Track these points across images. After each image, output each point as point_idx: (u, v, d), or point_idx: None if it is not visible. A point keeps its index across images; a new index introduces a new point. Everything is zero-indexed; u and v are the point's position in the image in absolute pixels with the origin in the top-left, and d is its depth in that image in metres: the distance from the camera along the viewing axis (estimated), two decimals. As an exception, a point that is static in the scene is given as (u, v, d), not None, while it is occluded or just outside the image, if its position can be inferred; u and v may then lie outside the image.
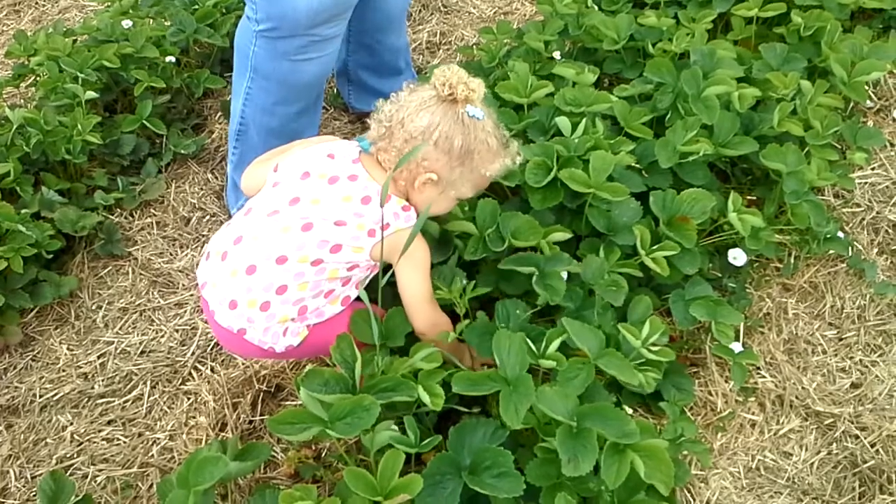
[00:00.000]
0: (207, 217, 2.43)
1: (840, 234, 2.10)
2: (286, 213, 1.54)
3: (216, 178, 2.55)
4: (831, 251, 2.11)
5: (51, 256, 2.16)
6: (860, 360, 1.95)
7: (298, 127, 2.16)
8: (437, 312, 1.64)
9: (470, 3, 3.18)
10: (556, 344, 1.52)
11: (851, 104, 2.45)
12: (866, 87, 2.36)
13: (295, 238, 1.52)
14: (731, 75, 2.14)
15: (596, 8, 2.60)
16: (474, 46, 2.85)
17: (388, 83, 2.48)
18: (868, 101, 2.51)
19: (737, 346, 1.79)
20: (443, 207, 1.64)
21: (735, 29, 2.50)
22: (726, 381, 1.89)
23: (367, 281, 1.66)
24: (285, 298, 1.53)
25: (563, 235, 1.81)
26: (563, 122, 2.02)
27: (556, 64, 2.31)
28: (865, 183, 2.31)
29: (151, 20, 2.79)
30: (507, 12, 3.15)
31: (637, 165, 2.02)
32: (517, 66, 2.21)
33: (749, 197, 2.19)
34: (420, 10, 3.17)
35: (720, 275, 2.04)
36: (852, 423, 1.82)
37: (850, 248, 2.11)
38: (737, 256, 1.93)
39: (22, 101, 2.74)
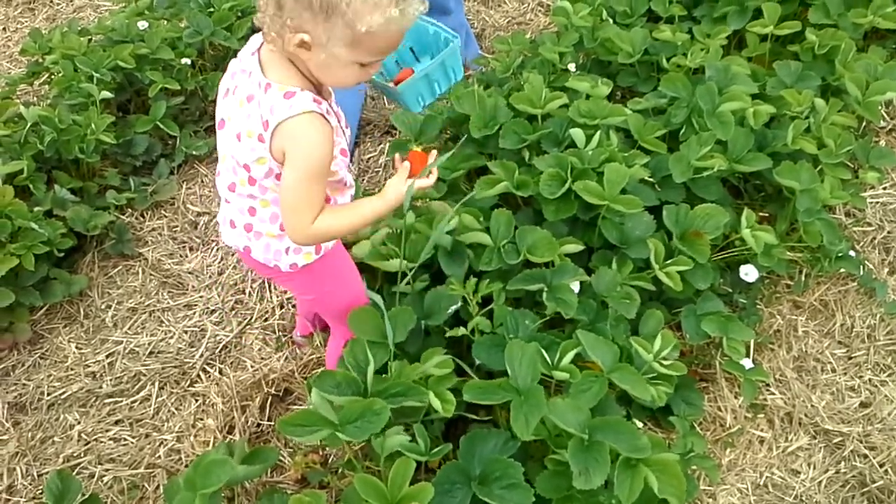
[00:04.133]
0: (215, 221, 2.43)
1: (851, 252, 2.10)
2: (220, 138, 1.45)
3: (227, 180, 2.55)
4: (842, 269, 2.11)
5: (62, 255, 2.16)
6: (869, 380, 1.94)
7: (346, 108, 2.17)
8: (316, 227, 1.38)
9: (484, 12, 3.19)
10: (570, 356, 1.52)
11: (864, 123, 2.46)
12: (880, 107, 2.36)
13: (229, 163, 1.44)
14: (746, 92, 2.15)
15: (611, 21, 2.61)
16: (489, 56, 2.85)
17: (438, 20, 2.54)
18: (881, 121, 2.51)
19: (747, 363, 1.79)
20: (342, 76, 1.33)
21: (749, 46, 2.50)
22: (736, 397, 1.89)
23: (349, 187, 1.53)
24: (260, 217, 1.47)
25: (575, 247, 1.81)
26: (577, 134, 2.02)
27: (571, 76, 2.31)
28: (877, 202, 2.31)
29: (167, 21, 2.80)
30: (520, 23, 3.15)
31: (650, 179, 2.03)
32: (532, 78, 2.22)
33: (761, 213, 2.19)
34: (434, 19, 3.18)
35: (731, 290, 2.04)
36: (861, 442, 1.82)
37: (861, 267, 2.11)
38: (748, 273, 1.92)
39: (35, 98, 2.75)
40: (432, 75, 1.54)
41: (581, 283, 1.74)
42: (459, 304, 1.69)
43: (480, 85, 2.35)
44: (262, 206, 1.44)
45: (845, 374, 1.96)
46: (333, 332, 1.82)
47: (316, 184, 1.35)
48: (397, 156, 1.53)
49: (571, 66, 2.42)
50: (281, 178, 1.36)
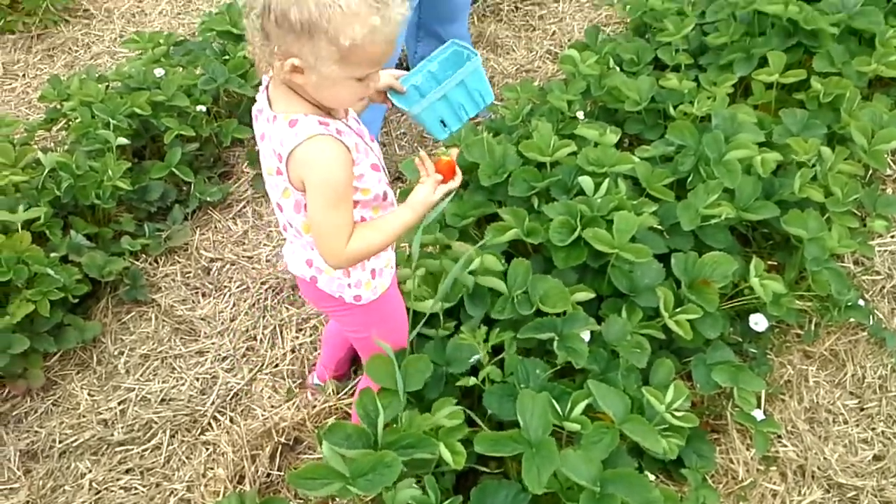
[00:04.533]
0: (227, 266, 2.45)
1: (861, 301, 2.11)
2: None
3: (238, 225, 2.58)
4: (852, 319, 2.11)
5: (76, 300, 2.18)
6: (882, 432, 1.93)
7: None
8: (350, 249, 1.37)
9: (493, 59, 3.24)
10: (581, 406, 1.52)
11: (871, 171, 2.48)
12: (886, 155, 2.38)
13: (275, 206, 1.45)
14: (752, 140, 2.17)
15: (618, 69, 2.65)
16: (498, 104, 2.89)
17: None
18: (888, 169, 2.53)
19: (758, 414, 1.79)
20: (343, 94, 1.32)
21: (755, 93, 2.53)
22: (748, 449, 1.88)
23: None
24: (320, 264, 1.48)
25: (585, 295, 1.82)
26: (585, 182, 2.04)
27: (579, 124, 2.34)
28: (885, 250, 2.32)
29: (182, 69, 2.85)
30: (529, 70, 3.20)
31: (659, 227, 2.04)
32: (540, 126, 2.25)
33: (770, 261, 2.20)
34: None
35: (741, 339, 2.05)
36: (875, 496, 1.80)
37: (870, 317, 2.11)
38: (758, 322, 1.93)
39: (53, 144, 2.79)
40: (452, 98, 1.45)
41: (591, 331, 1.76)
42: (480, 355, 1.70)
43: (490, 132, 2.38)
44: (311, 241, 1.45)
45: (857, 425, 1.96)
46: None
47: (340, 206, 1.35)
48: (422, 160, 1.50)
49: (580, 114, 2.45)
50: (307, 207, 1.36)
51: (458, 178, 1.47)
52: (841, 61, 2.53)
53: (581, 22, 3.43)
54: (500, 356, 1.72)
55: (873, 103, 2.46)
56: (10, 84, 3.24)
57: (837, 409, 1.98)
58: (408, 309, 1.72)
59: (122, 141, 2.47)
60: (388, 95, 1.51)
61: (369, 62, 1.27)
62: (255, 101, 1.41)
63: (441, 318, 1.78)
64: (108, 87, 2.75)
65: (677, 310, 1.82)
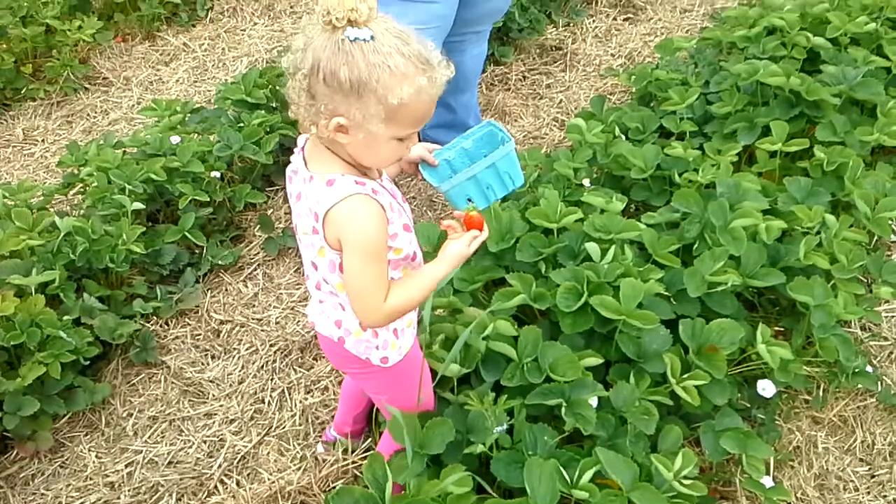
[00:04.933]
0: (237, 328, 2.47)
1: (868, 367, 2.11)
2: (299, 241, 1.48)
3: (248, 287, 2.61)
4: (860, 385, 2.11)
5: (87, 362, 2.20)
6: (894, 499, 1.91)
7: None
8: (388, 305, 1.39)
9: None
10: (589, 474, 1.52)
11: (876, 237, 2.50)
12: (890, 223, 2.41)
13: (308, 265, 1.47)
14: (757, 207, 2.20)
15: (623, 137, 2.71)
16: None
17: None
18: (892, 236, 2.55)
19: (767, 481, 1.78)
20: (383, 154, 1.35)
21: (759, 161, 2.58)
22: (757, 517, 1.86)
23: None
24: (350, 312, 1.47)
25: (594, 361, 1.84)
26: (592, 248, 2.07)
27: (586, 191, 2.38)
28: (893, 317, 2.33)
29: (198, 135, 2.92)
30: (536, 137, 3.27)
31: (666, 293, 2.06)
32: (547, 193, 2.29)
33: (777, 327, 2.21)
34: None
35: (749, 405, 2.04)
36: (888, 565, 1.78)
37: (879, 383, 2.11)
38: (766, 388, 1.93)
39: (69, 207, 2.85)
40: (482, 178, 1.47)
41: (599, 397, 1.76)
42: (505, 426, 1.69)
43: (497, 199, 2.42)
44: (344, 301, 1.46)
45: (868, 493, 1.94)
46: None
47: (378, 264, 1.37)
48: (449, 222, 1.50)
49: (586, 182, 2.50)
50: (343, 266, 1.38)
51: (487, 231, 1.50)
52: (843, 131, 2.58)
53: (587, 91, 3.50)
54: (510, 422, 1.72)
55: (876, 171, 2.50)
56: (30, 149, 3.32)
57: (848, 476, 1.97)
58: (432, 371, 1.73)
59: (138, 206, 2.52)
60: (420, 168, 1.55)
61: (413, 121, 1.32)
62: (289, 161, 1.45)
63: (455, 382, 1.79)
64: (124, 153, 2.81)
65: (685, 376, 1.82)
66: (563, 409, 1.70)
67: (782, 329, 2.22)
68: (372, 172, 1.42)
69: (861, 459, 2.01)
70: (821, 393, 2.13)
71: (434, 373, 1.76)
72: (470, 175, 1.46)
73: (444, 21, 2.24)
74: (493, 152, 1.48)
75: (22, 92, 3.58)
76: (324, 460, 2.02)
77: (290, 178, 1.45)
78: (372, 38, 1.23)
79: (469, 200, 1.48)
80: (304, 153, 1.40)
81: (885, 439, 2.04)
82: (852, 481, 1.96)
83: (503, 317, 1.89)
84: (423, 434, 1.63)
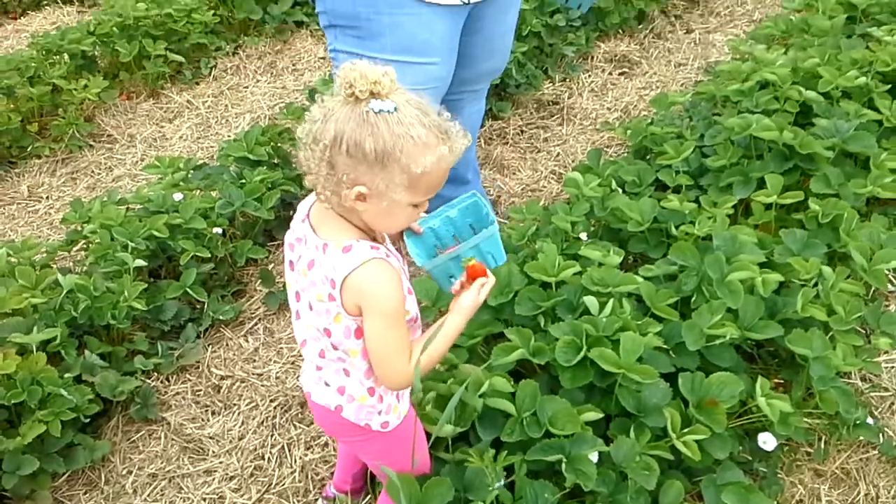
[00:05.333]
0: (237, 384, 2.48)
1: (870, 419, 2.10)
2: (298, 308, 1.49)
3: (249, 342, 2.62)
4: (861, 437, 2.10)
5: (87, 420, 2.20)
6: (900, 554, 1.90)
7: None
8: (412, 368, 1.42)
9: (500, 179, 3.35)
10: (589, 532, 1.51)
11: (873, 288, 2.51)
12: (886, 273, 2.42)
13: (312, 333, 1.48)
14: (754, 260, 2.22)
15: (620, 191, 2.74)
16: (504, 222, 2.97)
17: (458, 191, 2.81)
18: (889, 286, 2.56)
19: (771, 536, 1.76)
20: (398, 220, 1.40)
21: (755, 214, 2.61)
22: (762, 573, 1.84)
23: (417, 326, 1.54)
24: (355, 378, 1.49)
25: (594, 415, 1.84)
26: (590, 302, 2.08)
27: (583, 245, 2.41)
28: (893, 367, 2.33)
29: (200, 191, 2.96)
30: (534, 189, 3.31)
31: (664, 346, 2.07)
32: (545, 247, 2.31)
33: (776, 379, 2.21)
34: (452, 186, 3.34)
35: (750, 458, 2.03)
36: None
37: (880, 435, 2.10)
38: (766, 441, 1.93)
39: (72, 263, 2.87)
40: (465, 257, 1.49)
41: (600, 452, 1.76)
42: (504, 482, 1.69)
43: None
44: (353, 367, 1.48)
45: (874, 547, 1.92)
46: (384, 494, 1.80)
47: (400, 327, 1.39)
48: (455, 287, 1.53)
49: (583, 235, 2.52)
50: (364, 332, 1.40)
51: (493, 278, 1.52)
52: (837, 183, 2.61)
53: (584, 144, 3.56)
54: (510, 478, 1.72)
55: (871, 223, 2.52)
56: (34, 206, 3.36)
57: (852, 532, 1.95)
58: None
59: (140, 263, 2.54)
60: (405, 236, 1.57)
61: (431, 188, 1.35)
62: (289, 227, 1.47)
63: (449, 441, 1.79)
64: (127, 209, 2.85)
65: (685, 430, 1.82)
66: (563, 465, 1.70)
67: (782, 381, 2.22)
68: (379, 236, 1.45)
69: (865, 513, 2.00)
70: (822, 445, 2.12)
71: (428, 434, 1.76)
72: (453, 255, 1.48)
73: (442, 82, 2.29)
74: (478, 234, 1.51)
75: (28, 150, 3.64)
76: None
77: (291, 246, 1.46)
78: (395, 109, 1.26)
79: (451, 278, 1.51)
80: (311, 220, 1.42)
81: (888, 492, 2.03)
82: (857, 536, 1.95)
83: (499, 373, 1.89)
84: (422, 495, 1.62)
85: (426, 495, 1.61)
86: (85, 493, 2.16)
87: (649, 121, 3.28)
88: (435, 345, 1.43)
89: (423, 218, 1.60)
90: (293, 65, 4.27)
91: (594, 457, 1.73)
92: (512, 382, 1.88)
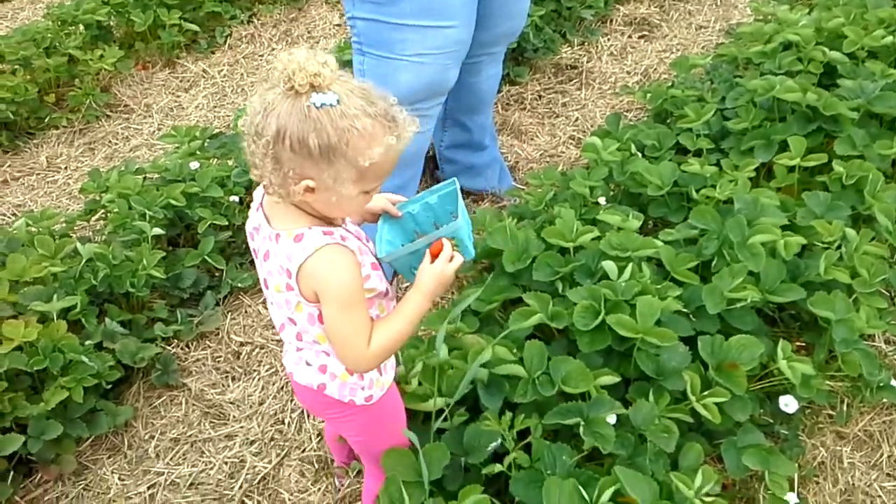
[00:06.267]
0: (257, 350, 2.49)
1: (893, 382, 2.08)
2: (267, 296, 1.47)
3: (267, 310, 2.62)
4: (885, 399, 2.08)
5: (109, 386, 2.22)
6: (922, 516, 1.88)
7: None
8: (373, 348, 1.39)
9: (517, 146, 3.32)
10: (608, 493, 1.51)
11: (898, 251, 2.47)
12: (911, 235, 2.38)
13: (284, 319, 1.46)
14: (775, 223, 2.19)
15: (640, 155, 2.70)
16: (522, 188, 2.95)
17: (475, 157, 2.96)
18: (914, 248, 2.52)
19: (792, 497, 1.75)
20: (350, 208, 1.36)
21: (778, 177, 2.56)
22: (782, 535, 1.83)
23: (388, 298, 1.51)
24: (335, 357, 1.47)
25: (611, 379, 1.82)
26: (609, 267, 2.06)
27: (602, 210, 2.38)
28: (917, 330, 2.30)
29: (216, 160, 2.96)
30: (552, 155, 3.27)
31: (685, 310, 2.05)
32: (563, 212, 2.29)
33: (798, 342, 2.19)
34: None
35: (771, 421, 2.02)
36: (918, 584, 1.75)
37: (904, 398, 2.08)
38: (788, 404, 1.91)
39: (91, 233, 2.89)
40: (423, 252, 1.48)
41: (618, 415, 1.75)
42: (500, 441, 1.70)
43: (513, 218, 2.43)
44: (329, 349, 1.47)
45: (896, 509, 1.91)
46: (369, 473, 1.82)
47: (357, 310, 1.37)
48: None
49: (602, 200, 2.49)
50: (322, 318, 1.39)
51: (459, 256, 1.47)
52: (862, 144, 2.55)
53: (603, 108, 3.51)
54: (526, 440, 1.72)
55: (896, 184, 2.47)
56: (53, 176, 3.38)
57: (874, 492, 1.94)
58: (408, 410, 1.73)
59: (158, 231, 2.55)
60: (382, 220, 1.55)
61: (380, 176, 1.33)
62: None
63: (447, 411, 1.78)
64: (145, 178, 2.86)
65: (705, 393, 1.81)
66: (581, 428, 1.69)
67: (804, 344, 2.20)
68: (336, 219, 1.42)
69: (888, 474, 1.98)
70: (845, 408, 2.10)
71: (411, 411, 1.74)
72: (412, 250, 1.46)
73: (462, 45, 2.26)
74: (441, 229, 1.48)
75: (45, 121, 3.65)
76: (341, 484, 2.02)
77: (251, 236, 1.44)
78: (338, 101, 1.22)
79: (413, 269, 1.47)
80: (265, 210, 1.39)
81: (911, 455, 2.01)
82: (879, 496, 1.93)
83: (502, 343, 1.87)
84: (418, 463, 1.61)
85: (429, 461, 1.61)
86: (109, 458, 2.18)
87: (670, 84, 3.22)
88: (394, 326, 1.41)
89: (402, 203, 1.58)
90: (308, 32, 4.24)
91: (612, 419, 1.72)
92: (514, 350, 1.86)
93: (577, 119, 3.46)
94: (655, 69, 3.76)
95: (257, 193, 1.43)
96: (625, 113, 3.45)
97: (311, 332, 1.43)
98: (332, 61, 1.23)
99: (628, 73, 3.76)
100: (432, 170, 3.09)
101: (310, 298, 1.36)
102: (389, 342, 1.40)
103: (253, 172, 1.31)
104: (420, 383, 1.82)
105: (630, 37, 4.02)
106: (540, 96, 3.63)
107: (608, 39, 3.99)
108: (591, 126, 3.39)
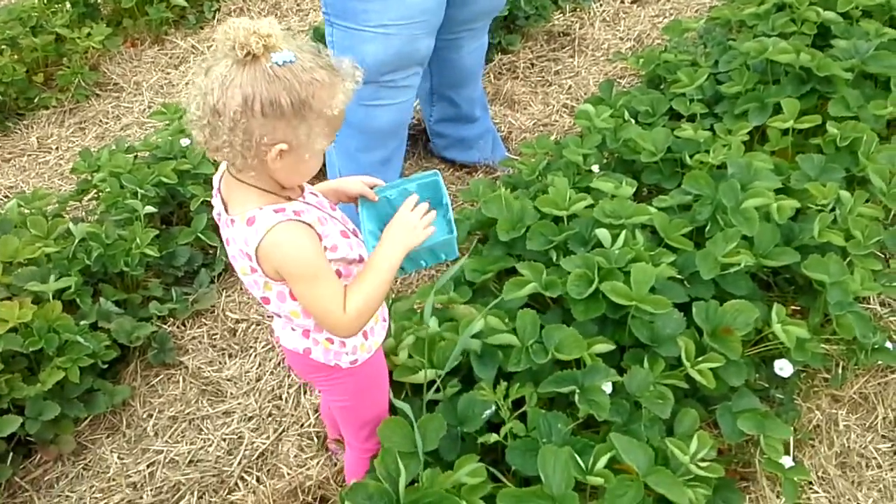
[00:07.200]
0: (253, 326, 2.49)
1: (888, 343, 2.08)
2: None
3: (265, 286, 2.62)
4: (880, 361, 2.08)
5: (106, 366, 2.22)
6: (917, 476, 1.89)
7: (384, 178, 2.25)
8: (349, 311, 1.38)
9: (510, 115, 3.30)
10: (604, 460, 1.52)
11: (893, 213, 2.46)
12: (906, 196, 2.37)
13: (260, 300, 1.46)
14: (769, 187, 2.18)
15: (633, 121, 2.68)
16: (515, 158, 2.93)
17: (465, 129, 2.94)
18: (909, 209, 2.51)
19: (787, 461, 1.76)
20: (310, 168, 1.34)
21: (771, 140, 2.55)
22: (778, 497, 1.85)
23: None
24: (317, 325, 1.48)
25: (605, 347, 1.82)
26: (603, 234, 2.06)
27: (595, 177, 2.37)
28: (912, 291, 2.29)
29: (208, 137, 2.93)
30: (546, 124, 3.25)
31: (679, 276, 2.04)
32: (556, 181, 2.28)
33: (793, 306, 2.18)
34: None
35: (767, 385, 2.03)
36: (913, 543, 1.76)
37: (899, 359, 2.08)
38: (783, 367, 1.91)
39: (84, 213, 2.87)
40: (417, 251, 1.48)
41: (613, 382, 1.75)
42: (493, 409, 1.70)
43: (507, 188, 2.41)
44: (306, 324, 1.48)
45: (892, 469, 1.92)
46: (350, 446, 1.81)
47: (323, 281, 1.36)
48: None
49: (595, 168, 2.48)
50: (293, 295, 1.39)
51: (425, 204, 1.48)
52: (856, 105, 2.54)
53: (596, 76, 3.48)
54: (522, 409, 1.72)
55: (891, 145, 2.45)
56: (44, 157, 3.35)
57: (870, 454, 1.95)
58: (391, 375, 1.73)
59: (150, 209, 2.54)
60: (360, 203, 1.55)
61: (338, 128, 1.33)
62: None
63: (438, 382, 1.78)
64: (136, 157, 2.83)
65: (700, 359, 1.81)
66: (576, 396, 1.70)
67: (799, 308, 2.19)
68: (293, 192, 1.40)
69: (883, 436, 1.99)
70: (840, 371, 2.11)
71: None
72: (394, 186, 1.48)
73: (430, 15, 2.19)
74: (437, 241, 1.48)
75: (34, 101, 3.62)
76: (336, 458, 2.03)
77: (217, 218, 1.43)
78: (295, 57, 1.23)
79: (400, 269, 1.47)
80: (222, 195, 1.38)
81: (907, 415, 2.02)
82: (875, 458, 1.94)
83: (493, 313, 1.86)
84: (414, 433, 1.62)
85: (424, 432, 1.62)
86: (107, 437, 2.19)
87: (663, 49, 3.19)
88: (366, 283, 1.40)
89: (380, 187, 1.57)
90: (297, 4, 4.19)
91: (607, 387, 1.72)
92: (506, 321, 1.86)
93: (570, 87, 3.44)
94: (648, 34, 3.72)
95: (215, 179, 1.42)
96: (618, 80, 3.42)
97: (284, 308, 1.43)
98: (273, 21, 1.23)
99: (621, 39, 3.72)
100: (425, 142, 3.07)
101: (274, 278, 1.36)
102: (366, 300, 1.39)
103: (216, 154, 1.29)
104: (410, 356, 1.81)
105: (622, 2, 3.97)
106: (532, 64, 3.60)
107: (600, 5, 3.94)
108: (585, 94, 3.36)
